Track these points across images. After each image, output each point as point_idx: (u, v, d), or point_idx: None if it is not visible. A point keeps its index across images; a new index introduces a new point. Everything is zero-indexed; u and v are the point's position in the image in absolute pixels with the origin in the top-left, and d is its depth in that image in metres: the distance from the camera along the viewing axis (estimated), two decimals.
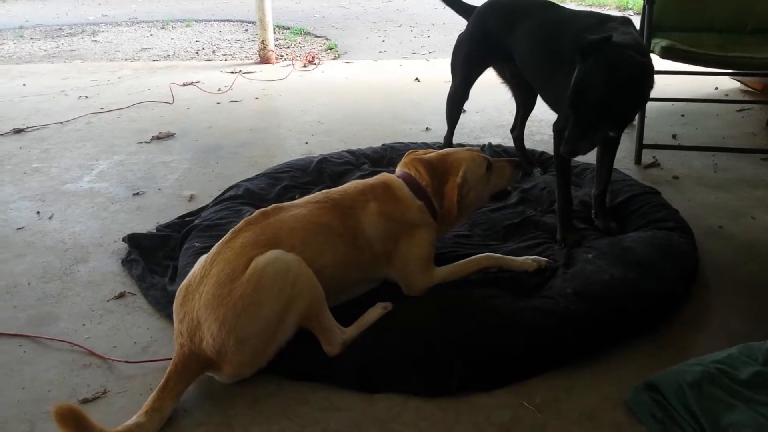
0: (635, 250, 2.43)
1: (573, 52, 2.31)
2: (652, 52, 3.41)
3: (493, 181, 2.42)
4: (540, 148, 3.67)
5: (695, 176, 3.45)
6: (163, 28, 9.22)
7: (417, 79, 5.71)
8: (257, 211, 2.16)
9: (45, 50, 7.86)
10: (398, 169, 2.43)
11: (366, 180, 2.39)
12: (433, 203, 2.32)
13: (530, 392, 1.91)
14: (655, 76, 2.40)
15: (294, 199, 2.33)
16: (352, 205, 2.21)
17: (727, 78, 4.87)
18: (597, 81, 2.21)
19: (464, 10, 3.29)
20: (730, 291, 2.41)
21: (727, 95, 4.80)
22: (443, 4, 3.37)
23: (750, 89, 4.86)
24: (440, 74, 5.33)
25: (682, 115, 4.38)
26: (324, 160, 3.51)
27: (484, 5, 3.13)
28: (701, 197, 3.19)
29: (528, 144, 3.55)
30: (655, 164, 3.59)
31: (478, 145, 3.63)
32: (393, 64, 6.48)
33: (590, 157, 2.97)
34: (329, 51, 7.44)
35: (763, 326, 2.15)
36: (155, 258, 2.69)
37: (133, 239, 2.80)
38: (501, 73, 3.27)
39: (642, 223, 2.70)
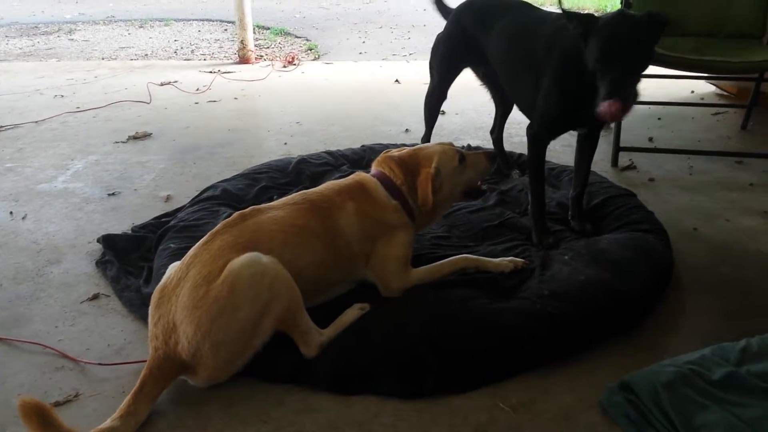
0: (611, 252, 2.45)
1: (543, 54, 2.30)
2: None
3: (467, 174, 2.42)
4: (518, 150, 3.68)
5: (671, 179, 3.49)
6: (141, 27, 9.13)
7: (397, 80, 5.72)
8: (235, 213, 2.13)
9: (20, 48, 7.74)
10: (372, 168, 2.42)
11: (341, 180, 2.38)
12: (409, 202, 2.32)
13: (506, 393, 1.91)
14: None
15: (272, 200, 2.32)
16: (330, 206, 2.20)
17: (703, 82, 4.94)
18: (617, 26, 2.21)
19: (447, 13, 3.29)
20: (703, 292, 2.44)
21: (702, 99, 4.86)
22: (426, 6, 3.36)
23: (725, 93, 4.93)
24: (420, 76, 5.31)
25: (659, 118, 4.43)
26: (303, 161, 3.49)
27: (461, 5, 3.14)
28: (676, 199, 3.22)
29: (506, 146, 3.56)
30: (631, 167, 3.63)
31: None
32: (373, 66, 6.48)
33: (566, 159, 2.99)
34: (309, 52, 7.42)
35: (735, 327, 2.17)
36: (130, 259, 2.65)
37: (107, 240, 2.76)
38: (478, 74, 3.28)
39: (618, 224, 2.72)
